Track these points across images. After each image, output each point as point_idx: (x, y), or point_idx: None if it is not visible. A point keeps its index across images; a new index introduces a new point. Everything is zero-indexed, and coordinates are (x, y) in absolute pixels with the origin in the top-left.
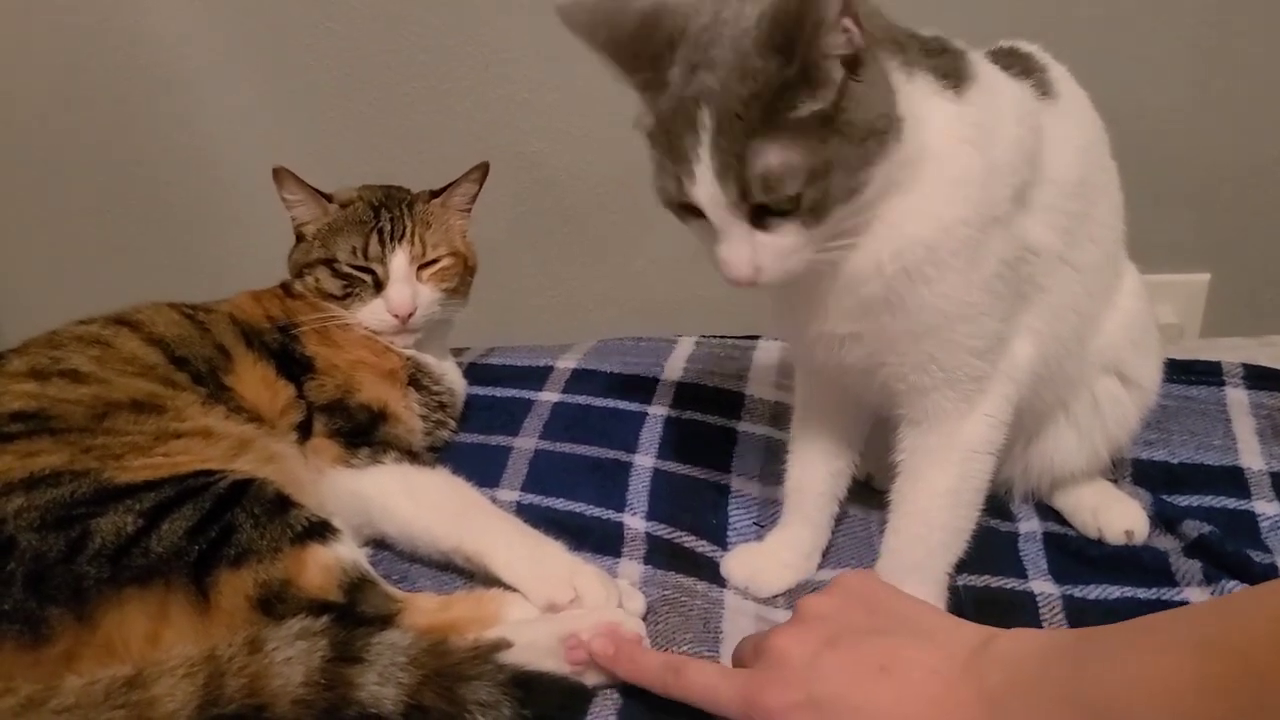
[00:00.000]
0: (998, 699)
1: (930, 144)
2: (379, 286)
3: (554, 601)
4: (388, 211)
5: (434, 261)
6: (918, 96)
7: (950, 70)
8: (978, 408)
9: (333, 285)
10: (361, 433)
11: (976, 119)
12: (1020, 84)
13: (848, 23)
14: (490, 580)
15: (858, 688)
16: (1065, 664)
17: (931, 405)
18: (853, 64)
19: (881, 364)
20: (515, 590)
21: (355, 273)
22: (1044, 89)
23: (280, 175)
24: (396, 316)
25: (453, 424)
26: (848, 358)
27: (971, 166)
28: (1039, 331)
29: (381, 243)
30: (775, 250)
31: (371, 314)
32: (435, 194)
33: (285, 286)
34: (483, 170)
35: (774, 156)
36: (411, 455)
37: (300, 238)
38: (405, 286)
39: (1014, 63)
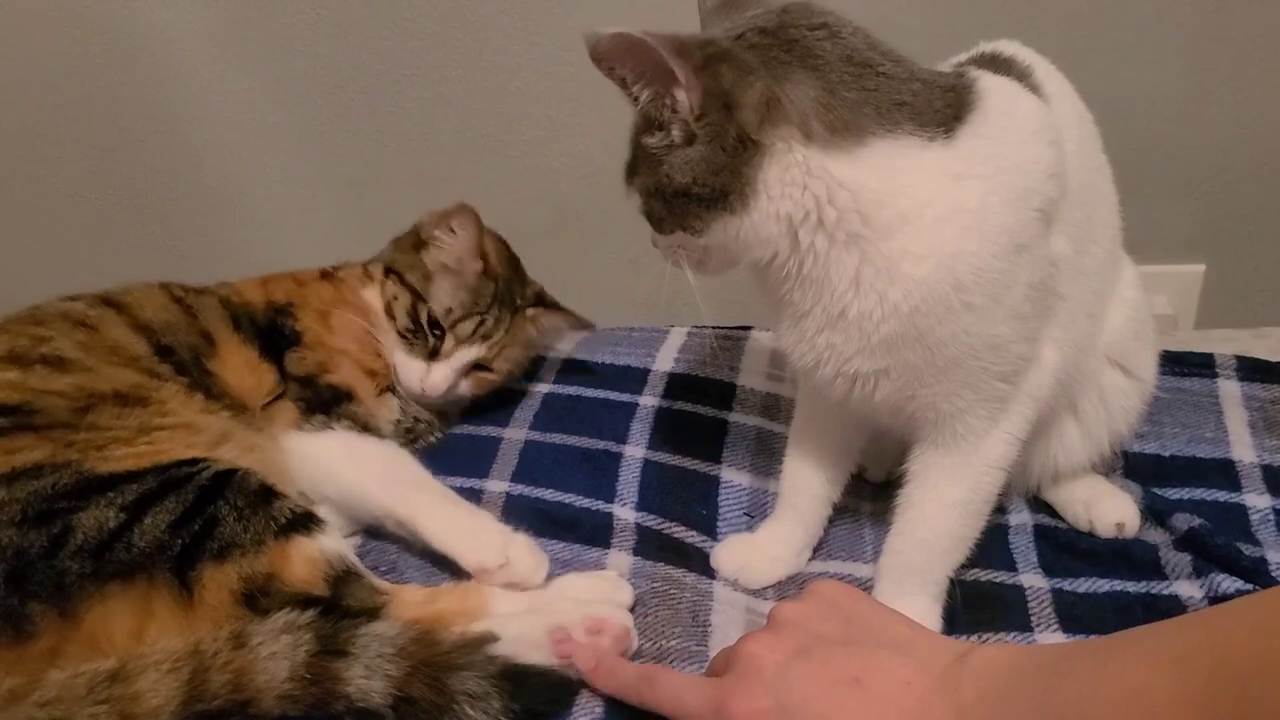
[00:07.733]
0: (972, 713)
1: (907, 191)
2: (434, 353)
3: (485, 565)
4: (499, 304)
5: (489, 370)
6: (884, 159)
7: (946, 118)
8: (999, 426)
9: (404, 319)
10: (323, 405)
11: (971, 153)
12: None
13: (679, 96)
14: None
15: (828, 698)
16: (1042, 678)
17: (959, 428)
18: (688, 136)
19: (911, 397)
20: (447, 555)
21: (426, 327)
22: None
23: (465, 214)
24: (423, 391)
25: (434, 437)
26: (877, 394)
27: (963, 202)
28: (1060, 340)
29: (474, 330)
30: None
31: (406, 367)
32: (544, 301)
33: (325, 273)
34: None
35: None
36: (368, 432)
37: (419, 244)
38: (451, 375)
39: (997, 69)
